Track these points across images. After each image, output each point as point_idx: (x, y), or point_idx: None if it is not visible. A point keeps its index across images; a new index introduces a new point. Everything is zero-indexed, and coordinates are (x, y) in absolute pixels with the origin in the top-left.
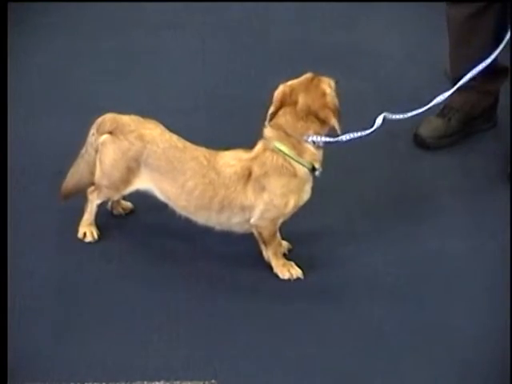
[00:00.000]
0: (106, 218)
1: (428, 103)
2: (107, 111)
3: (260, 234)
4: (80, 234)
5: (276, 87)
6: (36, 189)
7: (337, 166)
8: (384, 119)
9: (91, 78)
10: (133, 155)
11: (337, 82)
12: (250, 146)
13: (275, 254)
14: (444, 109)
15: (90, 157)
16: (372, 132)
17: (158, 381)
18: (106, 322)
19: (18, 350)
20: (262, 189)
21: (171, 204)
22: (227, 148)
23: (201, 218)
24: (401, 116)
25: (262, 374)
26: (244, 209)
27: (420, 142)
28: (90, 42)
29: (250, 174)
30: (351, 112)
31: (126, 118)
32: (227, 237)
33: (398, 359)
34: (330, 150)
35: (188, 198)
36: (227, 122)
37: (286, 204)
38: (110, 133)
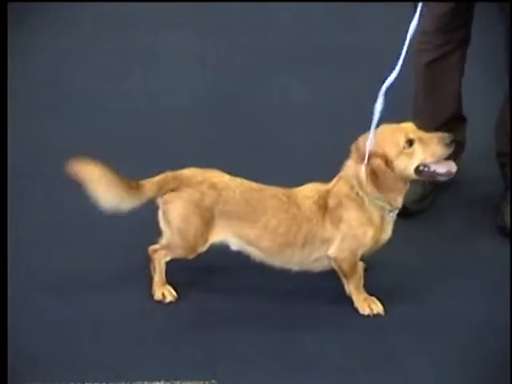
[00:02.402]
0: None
1: None
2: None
3: (340, 267)
4: (158, 296)
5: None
6: (36, 188)
7: None
8: None
9: (91, 78)
10: (207, 205)
11: (450, 142)
12: (249, 144)
13: (357, 287)
14: None
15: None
16: None
17: (159, 381)
18: (105, 321)
19: (17, 350)
20: (339, 220)
21: (250, 249)
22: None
23: (282, 258)
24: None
25: (262, 374)
26: (324, 242)
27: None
28: (90, 41)
29: (327, 205)
30: (351, 112)
31: (187, 172)
32: None
33: (399, 358)
34: None
35: (272, 238)
36: (227, 122)
37: (364, 234)
38: (172, 190)
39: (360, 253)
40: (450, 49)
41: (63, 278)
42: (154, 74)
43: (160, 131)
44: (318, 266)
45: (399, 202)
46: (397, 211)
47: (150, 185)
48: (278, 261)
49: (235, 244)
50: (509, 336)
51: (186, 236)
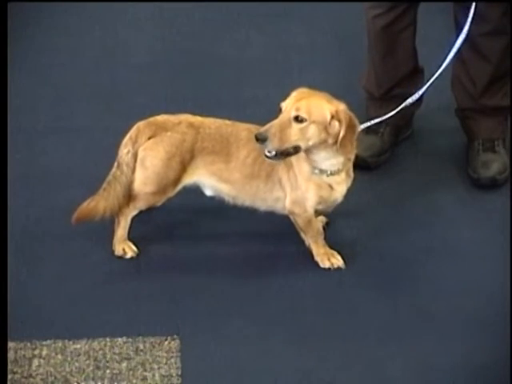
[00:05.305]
0: None
1: None
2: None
3: (295, 221)
4: (119, 252)
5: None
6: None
7: None
8: None
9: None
10: (188, 146)
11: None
12: (209, 99)
13: (315, 242)
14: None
15: (128, 178)
16: None
17: (121, 337)
18: (66, 278)
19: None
20: (291, 164)
21: (221, 187)
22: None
23: (249, 193)
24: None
25: (225, 328)
26: (280, 181)
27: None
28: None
29: None
30: (309, 65)
31: (160, 118)
32: None
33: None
34: None
35: (241, 168)
36: (185, 76)
37: (306, 188)
38: (150, 138)
39: (310, 209)
40: (403, 9)
41: (24, 234)
42: (111, 29)
43: (118, 87)
44: (280, 208)
45: (325, 165)
46: (332, 174)
47: (125, 151)
48: (246, 195)
49: (207, 184)
50: (468, 287)
51: (161, 181)
